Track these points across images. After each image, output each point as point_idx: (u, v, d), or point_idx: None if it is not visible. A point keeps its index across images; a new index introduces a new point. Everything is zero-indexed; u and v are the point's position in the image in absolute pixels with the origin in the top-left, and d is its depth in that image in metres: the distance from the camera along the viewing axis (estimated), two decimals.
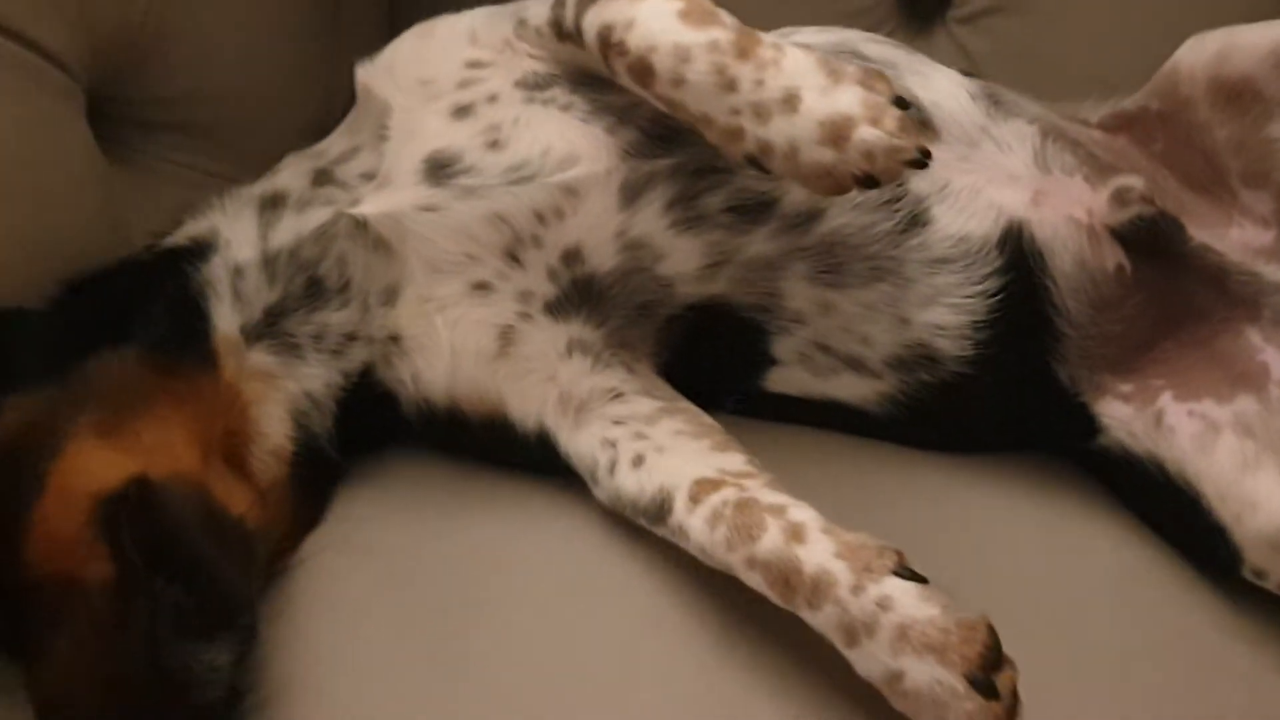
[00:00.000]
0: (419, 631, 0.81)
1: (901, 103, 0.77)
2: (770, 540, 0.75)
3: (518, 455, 0.90)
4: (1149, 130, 1.02)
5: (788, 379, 0.94)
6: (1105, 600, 0.87)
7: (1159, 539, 0.91)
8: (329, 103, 1.11)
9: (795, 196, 0.87)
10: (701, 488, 0.80)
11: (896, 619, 0.71)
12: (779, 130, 0.76)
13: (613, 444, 0.86)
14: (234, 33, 1.09)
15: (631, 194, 0.86)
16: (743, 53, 0.77)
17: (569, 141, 0.86)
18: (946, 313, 0.91)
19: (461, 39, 0.91)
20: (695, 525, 0.79)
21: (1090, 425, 0.94)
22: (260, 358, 0.88)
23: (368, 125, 0.92)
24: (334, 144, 0.95)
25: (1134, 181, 0.94)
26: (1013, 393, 0.94)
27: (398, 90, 0.90)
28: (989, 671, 0.70)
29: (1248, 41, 0.97)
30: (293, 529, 0.87)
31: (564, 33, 0.86)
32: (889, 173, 0.76)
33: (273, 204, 0.92)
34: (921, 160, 0.76)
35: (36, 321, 0.86)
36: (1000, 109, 0.97)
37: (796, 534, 0.75)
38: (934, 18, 1.30)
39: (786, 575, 0.74)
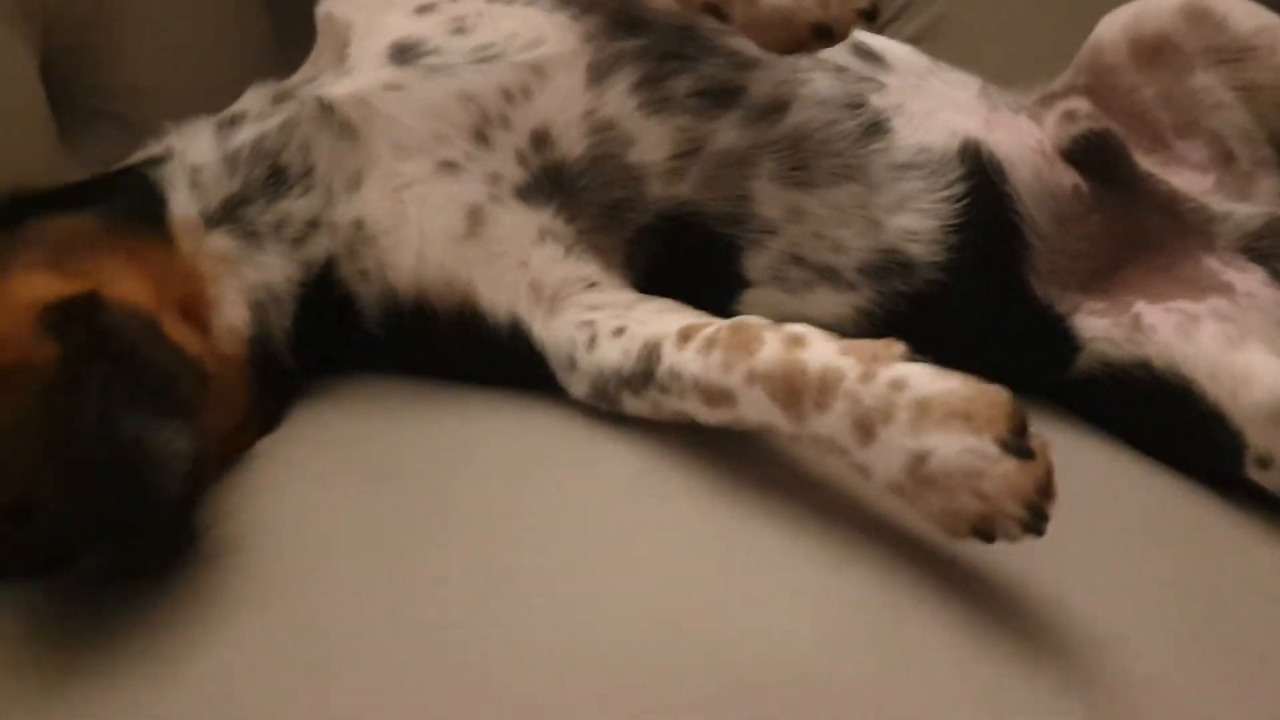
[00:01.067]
0: (381, 505, 0.73)
1: None
2: (770, 351, 0.71)
3: (488, 355, 0.84)
4: None
5: (761, 300, 0.91)
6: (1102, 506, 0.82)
7: (1149, 460, 0.88)
8: None
9: (761, 86, 0.88)
10: (690, 329, 0.76)
11: (914, 395, 0.66)
12: None
13: (590, 324, 0.81)
14: (182, 32, 1.09)
15: (598, 73, 0.86)
16: None
17: (535, 26, 0.86)
18: (916, 218, 0.90)
19: None
20: (687, 359, 0.74)
21: (1069, 345, 0.93)
22: (219, 241, 0.84)
23: (329, 50, 0.92)
24: (296, 75, 0.94)
25: (1078, 103, 0.97)
26: (989, 305, 0.92)
27: (359, 9, 0.90)
28: (1019, 435, 0.65)
29: (1158, 3, 1.04)
30: (246, 425, 0.80)
31: None
32: (842, 21, 0.78)
33: (230, 122, 0.90)
34: (871, 12, 0.78)
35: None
36: (941, 64, 1.01)
37: (796, 341, 0.71)
38: None
39: (790, 380, 0.69)
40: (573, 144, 0.85)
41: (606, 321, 0.81)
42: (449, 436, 0.79)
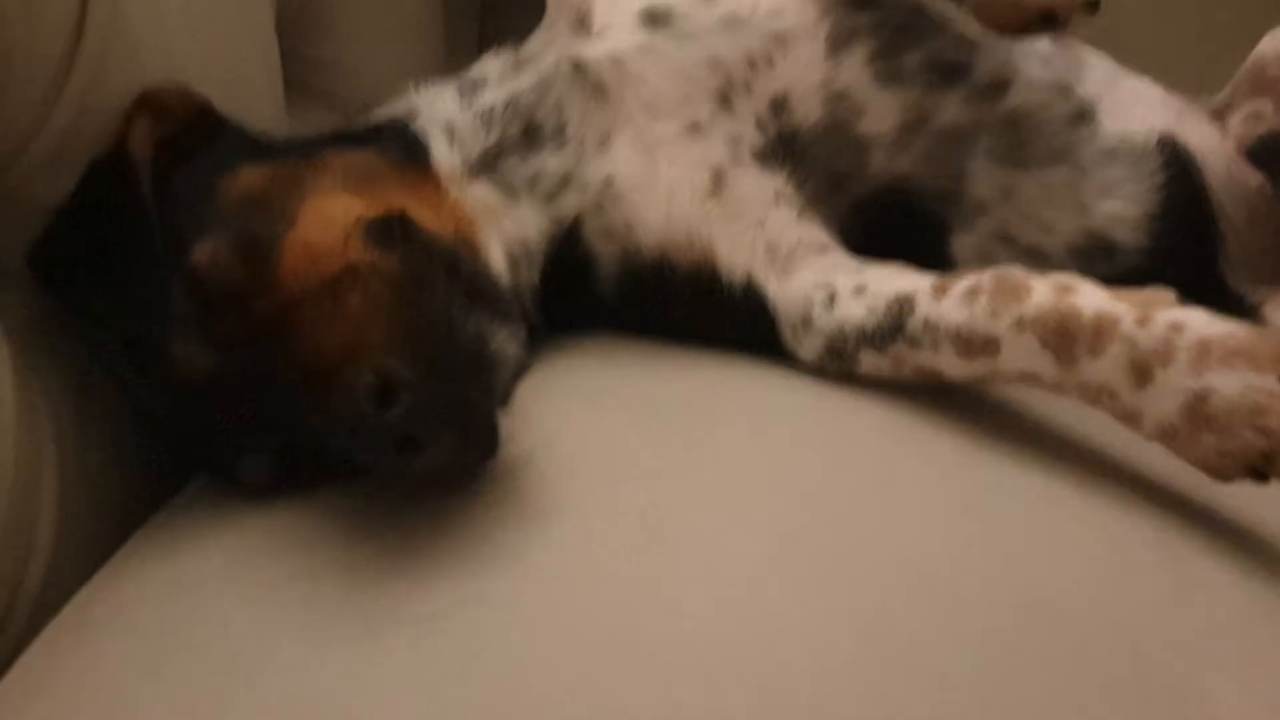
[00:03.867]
0: (646, 437, 0.75)
1: None
2: (1040, 296, 0.73)
3: (720, 313, 0.87)
4: None
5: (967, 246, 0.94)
6: None
7: None
8: None
9: (985, 65, 0.92)
10: (944, 282, 0.78)
11: (1195, 336, 0.68)
12: None
13: (828, 284, 0.84)
14: (389, 10, 1.13)
15: (837, 44, 0.89)
16: None
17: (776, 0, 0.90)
18: (1121, 204, 0.94)
19: None
20: (948, 308, 0.76)
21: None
22: (481, 191, 0.87)
23: (564, 20, 0.95)
24: (529, 42, 0.97)
25: (1263, 105, 1.01)
26: (1186, 292, 0.95)
27: None
28: None
29: None
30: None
31: None
32: (1068, 9, 0.82)
33: (472, 86, 0.93)
34: (1095, 3, 0.83)
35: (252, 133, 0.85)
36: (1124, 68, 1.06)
37: (1066, 288, 0.73)
38: None
39: (1064, 325, 0.71)
40: (809, 111, 0.89)
41: (845, 281, 0.83)
42: (695, 384, 0.81)
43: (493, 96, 0.91)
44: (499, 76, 0.93)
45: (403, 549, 0.65)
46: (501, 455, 0.67)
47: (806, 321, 0.84)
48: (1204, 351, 0.68)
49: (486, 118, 0.90)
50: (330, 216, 0.72)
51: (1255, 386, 0.66)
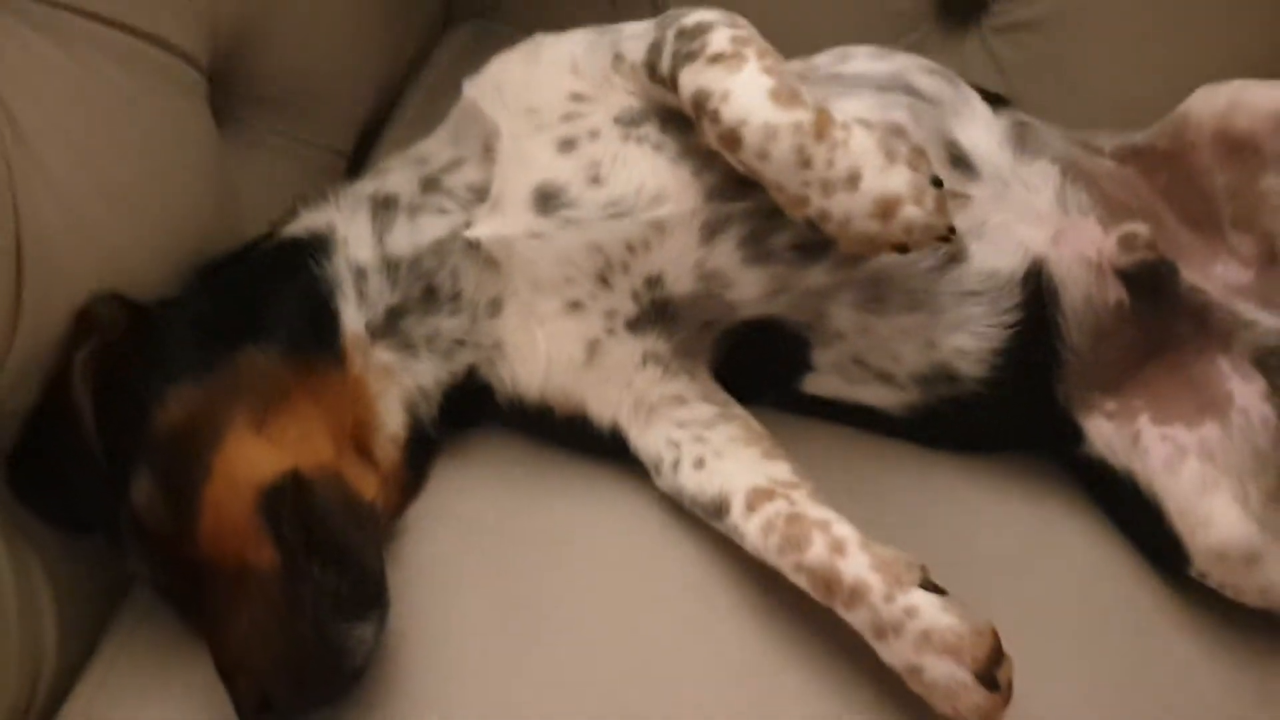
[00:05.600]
0: (504, 596, 0.97)
1: (938, 181, 0.90)
2: (816, 552, 0.90)
3: (592, 445, 1.04)
4: (1155, 165, 1.14)
5: (822, 383, 1.08)
6: (1073, 593, 1.04)
7: (1122, 538, 1.08)
8: (394, 74, 1.27)
9: None
10: (756, 497, 0.95)
11: (921, 626, 0.87)
12: (839, 204, 0.89)
13: (676, 445, 1.00)
14: (327, 12, 1.17)
15: (711, 231, 0.98)
16: (820, 133, 0.89)
17: (660, 181, 0.97)
18: (970, 339, 1.04)
19: (564, 68, 1.01)
20: (751, 531, 0.93)
21: (1077, 435, 1.09)
22: (382, 354, 1.01)
23: (471, 139, 1.03)
24: (437, 151, 1.06)
25: (1140, 229, 1.07)
26: (1017, 407, 1.08)
27: (506, 114, 1.01)
28: (993, 668, 0.86)
29: (1255, 100, 1.09)
30: (402, 500, 1.02)
31: (657, 77, 0.96)
32: (921, 244, 0.90)
33: (384, 205, 1.03)
34: (948, 237, 0.90)
35: (180, 314, 0.98)
36: (1027, 150, 1.09)
37: (838, 548, 0.90)
38: (969, 23, 1.38)
39: (829, 581, 0.90)
40: (681, 285, 0.99)
41: (690, 448, 1.00)
42: (557, 524, 1.01)
43: (400, 244, 1.01)
44: (409, 201, 1.03)
45: None
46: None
47: (658, 471, 1.02)
48: (925, 639, 0.87)
49: (393, 273, 1.01)
50: (235, 480, 0.88)
51: (954, 677, 0.86)
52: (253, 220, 1.09)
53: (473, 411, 1.06)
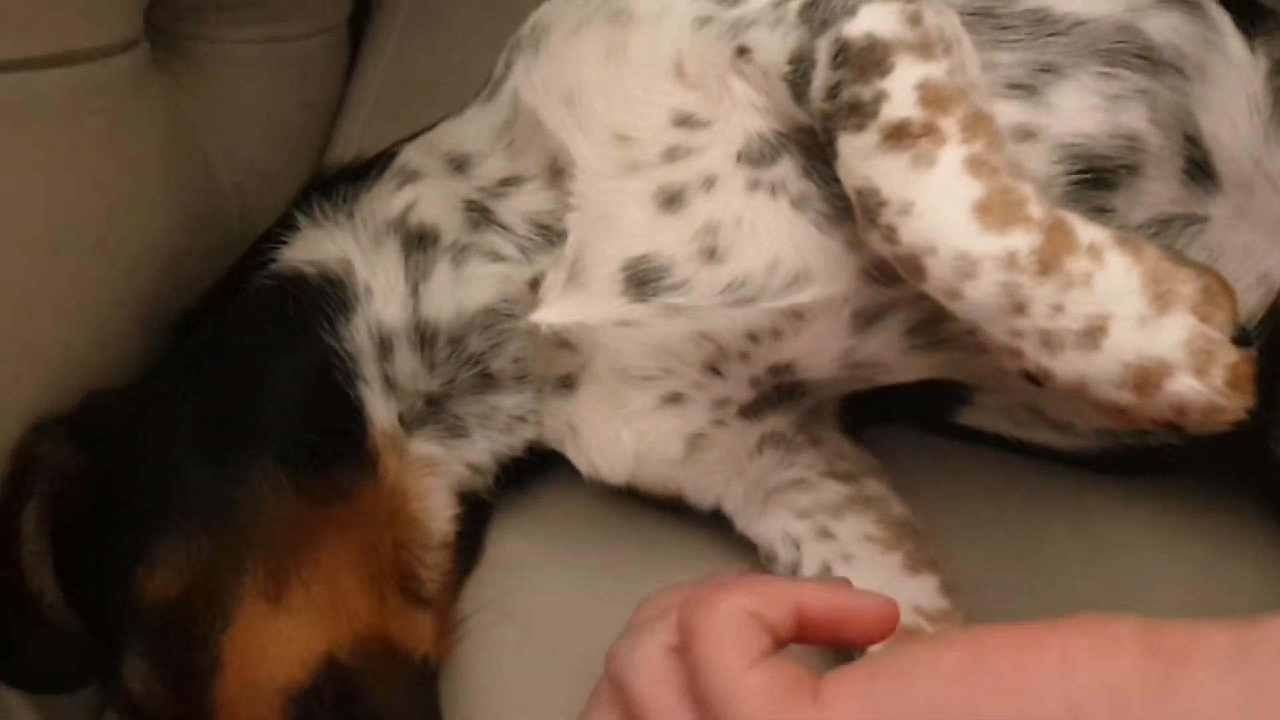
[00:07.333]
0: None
1: (1243, 336, 0.62)
2: None
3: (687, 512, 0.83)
4: None
5: (980, 419, 0.85)
6: None
7: None
8: None
9: None
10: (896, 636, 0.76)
11: None
12: (1069, 364, 0.62)
13: (796, 543, 0.80)
14: None
15: (866, 320, 0.71)
16: (1046, 266, 0.60)
17: (802, 256, 0.69)
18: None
19: (665, 71, 0.69)
20: None
21: None
22: (422, 447, 0.77)
23: (532, 153, 0.73)
24: (483, 153, 0.76)
25: None
26: (1216, 452, 0.86)
27: (584, 139, 0.70)
28: None
29: None
30: (456, 587, 0.82)
31: (805, 105, 0.66)
32: (1198, 429, 0.63)
33: (419, 242, 0.75)
34: (1244, 419, 0.63)
35: (152, 426, 0.74)
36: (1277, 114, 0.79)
37: None
38: None
39: None
40: (818, 373, 0.74)
41: (813, 548, 0.79)
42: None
43: (439, 302, 0.74)
44: (453, 241, 0.75)
45: None
46: None
47: (770, 561, 0.81)
48: None
49: (429, 347, 0.75)
50: (253, 680, 0.68)
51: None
52: (241, 179, 0.84)
53: (536, 473, 0.84)
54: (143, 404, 0.75)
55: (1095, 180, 0.73)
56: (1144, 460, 0.87)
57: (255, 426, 0.73)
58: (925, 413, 0.86)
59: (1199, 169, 0.76)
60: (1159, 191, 0.74)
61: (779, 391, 0.76)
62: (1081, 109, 0.72)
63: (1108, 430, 0.83)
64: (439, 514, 0.78)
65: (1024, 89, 0.73)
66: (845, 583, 0.67)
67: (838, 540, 0.80)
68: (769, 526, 0.80)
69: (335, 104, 1.12)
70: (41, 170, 0.70)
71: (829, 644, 0.62)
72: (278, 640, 0.70)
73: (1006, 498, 0.89)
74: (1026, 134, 0.72)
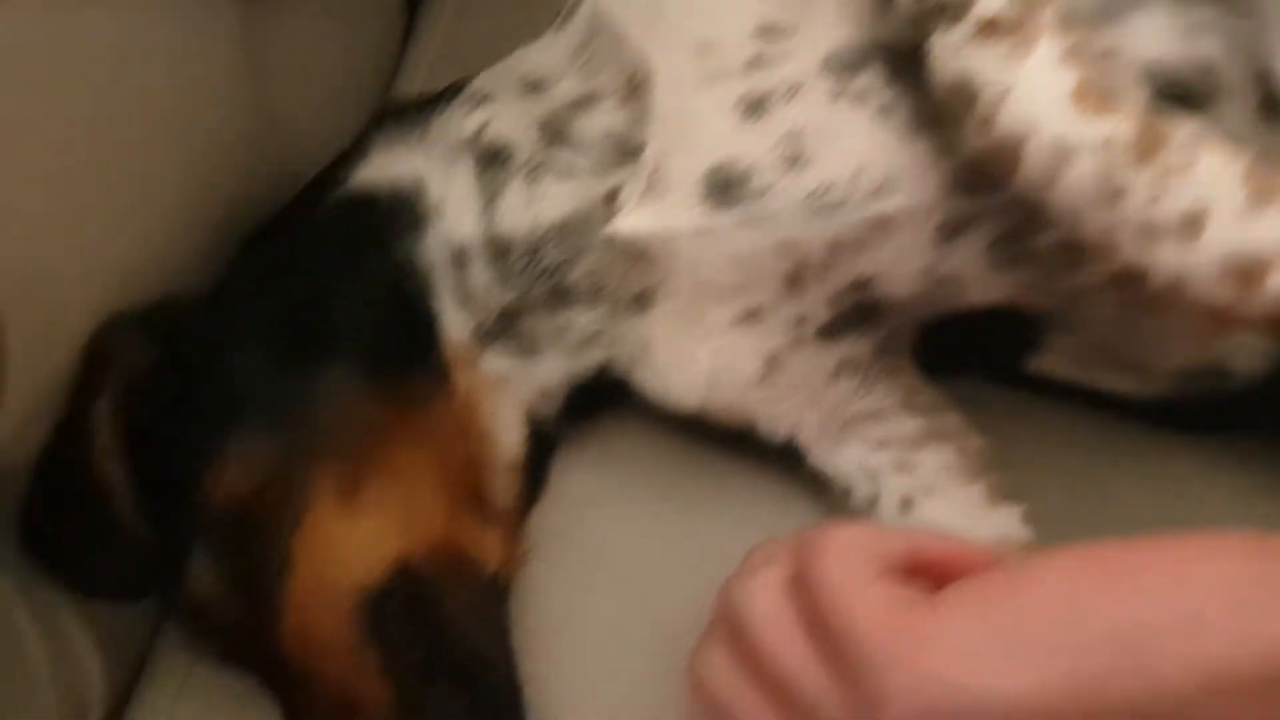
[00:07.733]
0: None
1: None
2: None
3: (757, 450, 0.81)
4: None
5: (1051, 364, 0.83)
6: None
7: None
8: None
9: None
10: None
11: None
12: (1164, 258, 0.60)
13: (874, 476, 0.78)
14: None
15: (950, 231, 0.70)
16: (1144, 154, 0.59)
17: (887, 164, 0.68)
18: (1261, 338, 0.79)
19: None
20: None
21: None
22: (494, 363, 0.76)
23: (609, 69, 0.73)
24: (556, 73, 0.75)
25: None
26: None
27: (664, 47, 0.69)
28: None
29: None
30: (523, 513, 0.81)
31: (891, 4, 0.65)
32: None
33: (493, 159, 0.75)
34: None
35: (224, 329, 0.73)
36: None
37: None
38: None
39: None
40: (899, 288, 0.73)
41: (892, 480, 0.78)
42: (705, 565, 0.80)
43: (514, 214, 0.74)
44: (527, 158, 0.74)
45: None
46: None
47: (846, 497, 0.80)
48: None
49: (503, 261, 0.74)
50: (324, 580, 0.67)
51: None
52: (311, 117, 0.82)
53: (602, 403, 0.82)
54: (217, 307, 0.75)
55: (1173, 103, 0.72)
56: (1216, 414, 0.86)
57: (330, 332, 0.73)
58: (996, 359, 0.84)
59: (1273, 106, 0.75)
60: (1235, 121, 0.74)
61: (858, 312, 0.75)
62: (1158, 34, 0.71)
63: (1183, 374, 0.82)
64: (509, 433, 0.77)
65: (1103, 15, 0.73)
66: None
67: (918, 473, 0.78)
68: (845, 459, 0.79)
69: (392, 65, 1.12)
70: (118, 49, 0.69)
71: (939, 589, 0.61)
72: (349, 543, 0.69)
73: (1074, 455, 0.87)
74: (1106, 54, 0.72)
